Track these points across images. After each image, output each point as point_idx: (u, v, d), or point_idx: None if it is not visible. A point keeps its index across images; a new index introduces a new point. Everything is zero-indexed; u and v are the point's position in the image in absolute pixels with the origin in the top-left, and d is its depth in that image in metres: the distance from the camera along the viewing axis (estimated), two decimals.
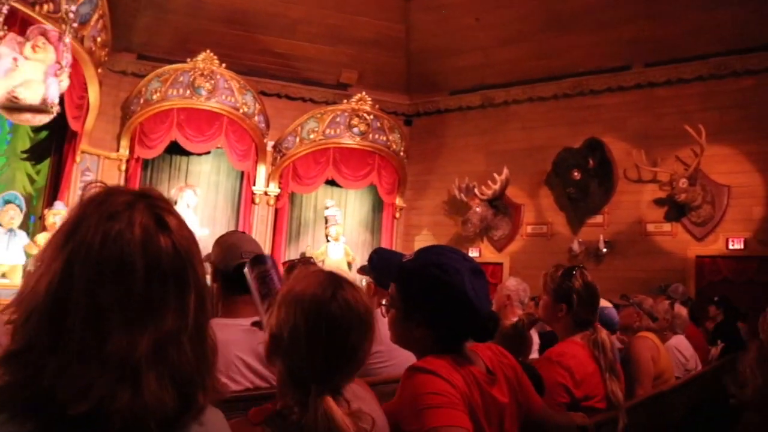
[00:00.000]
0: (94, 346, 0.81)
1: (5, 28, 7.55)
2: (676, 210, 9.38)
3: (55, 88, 7.72)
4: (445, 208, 11.36)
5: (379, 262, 2.08)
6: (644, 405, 3.22)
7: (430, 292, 1.74)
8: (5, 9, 7.55)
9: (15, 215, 8.59)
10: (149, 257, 0.86)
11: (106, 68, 10.01)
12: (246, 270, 2.27)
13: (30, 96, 7.48)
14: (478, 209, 10.41)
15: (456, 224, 10.96)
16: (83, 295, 0.82)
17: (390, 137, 11.11)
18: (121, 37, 10.20)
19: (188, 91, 10.12)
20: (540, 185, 10.56)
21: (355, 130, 10.86)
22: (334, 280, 1.44)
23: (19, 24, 7.95)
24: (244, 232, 3.19)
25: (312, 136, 10.79)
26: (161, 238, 0.88)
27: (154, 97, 10.14)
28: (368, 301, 1.46)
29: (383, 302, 1.88)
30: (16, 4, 7.85)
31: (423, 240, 11.45)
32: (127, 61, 10.71)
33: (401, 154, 11.32)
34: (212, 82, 10.18)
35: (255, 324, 1.82)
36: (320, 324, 1.36)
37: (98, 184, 0.94)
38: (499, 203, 10.49)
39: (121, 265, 0.84)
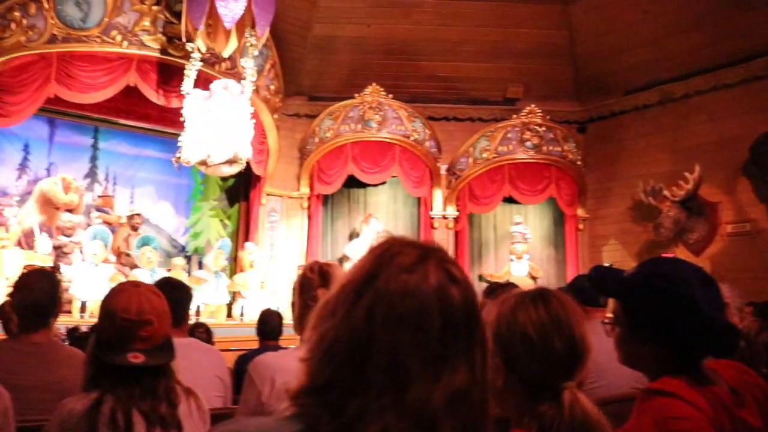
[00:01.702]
0: (393, 394, 0.84)
1: (196, 90, 8.23)
2: None
3: (244, 141, 8.27)
4: (632, 215, 10.72)
5: (599, 279, 1.94)
6: None
7: (657, 306, 1.59)
8: (195, 71, 8.21)
9: (222, 259, 9.26)
10: (444, 309, 0.88)
11: (281, 113, 10.55)
12: None
13: (223, 154, 8.06)
14: (670, 212, 9.74)
15: (645, 230, 10.32)
16: (385, 344, 0.85)
17: (565, 147, 10.73)
18: (292, 82, 10.73)
19: (359, 125, 10.41)
20: (737, 179, 9.66)
21: (528, 143, 10.60)
22: (536, 290, 1.56)
23: (202, 82, 8.59)
24: None
25: (485, 155, 10.66)
26: (454, 291, 0.90)
27: (328, 134, 10.52)
28: None
29: (605, 320, 1.76)
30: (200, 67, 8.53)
31: (610, 250, 10.89)
32: (299, 103, 11.21)
33: (578, 163, 10.88)
34: (381, 113, 10.41)
35: None
36: (549, 322, 1.47)
37: (383, 235, 1.01)
38: (692, 204, 9.74)
39: (420, 316, 0.86)
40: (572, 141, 10.89)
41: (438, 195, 10.91)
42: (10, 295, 2.70)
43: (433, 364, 0.86)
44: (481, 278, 10.56)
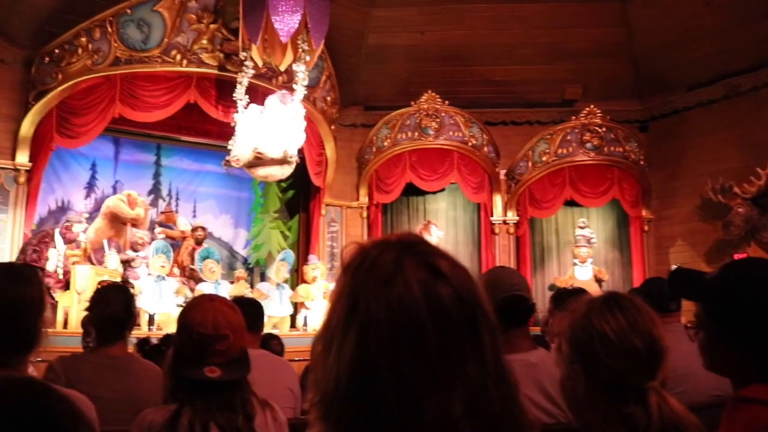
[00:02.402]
0: (412, 419, 0.79)
1: (247, 98, 8.38)
2: None
3: (293, 141, 8.34)
4: (700, 214, 10.36)
5: (679, 282, 1.86)
6: None
7: (746, 309, 1.50)
8: (246, 79, 8.35)
9: (284, 271, 9.33)
10: (437, 313, 0.82)
11: (337, 124, 10.62)
12: None
13: (272, 150, 8.15)
14: (740, 209, 9.41)
15: (715, 230, 9.97)
16: (386, 371, 0.80)
17: (626, 147, 10.49)
18: (347, 93, 10.79)
19: (416, 133, 10.41)
20: None
21: (588, 145, 10.40)
22: (608, 295, 1.54)
23: (260, 96, 8.71)
24: (504, 267, 3.16)
25: (544, 159, 10.51)
26: (441, 289, 0.83)
27: (385, 143, 10.55)
28: None
29: (688, 325, 1.69)
30: (256, 81, 8.67)
31: (678, 252, 10.56)
32: (355, 114, 11.27)
33: (641, 163, 10.62)
34: (438, 120, 10.38)
35: None
36: (626, 324, 1.44)
37: (352, 244, 0.91)
38: (765, 200, 9.38)
39: (414, 330, 0.81)
40: (634, 140, 10.65)
41: (498, 200, 10.81)
42: (88, 309, 2.79)
43: (441, 373, 0.81)
44: (552, 287, 10.34)
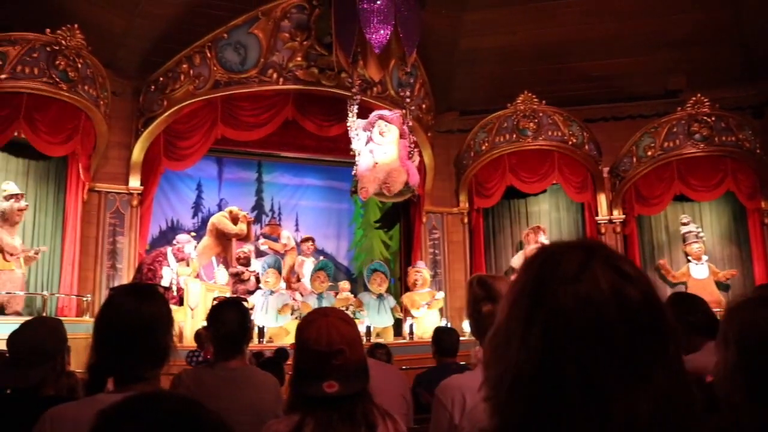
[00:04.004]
0: (596, 413, 0.77)
1: (360, 123, 8.43)
2: None
3: (414, 172, 8.40)
4: None
5: None
6: None
7: None
8: (356, 106, 8.38)
9: (382, 282, 9.33)
10: (625, 313, 0.80)
11: (433, 130, 10.60)
12: None
13: (397, 186, 8.22)
14: None
15: None
16: (572, 363, 0.78)
17: (740, 135, 9.92)
18: (442, 99, 10.75)
19: (514, 135, 10.26)
20: None
21: (697, 136, 9.92)
22: None
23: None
24: None
25: (649, 153, 10.11)
26: (629, 291, 0.82)
27: (483, 147, 10.44)
28: None
29: None
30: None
31: None
32: (450, 119, 11.22)
33: (757, 151, 10.01)
34: (535, 121, 10.20)
35: None
36: None
37: (537, 245, 0.89)
38: None
39: (601, 326, 0.79)
40: (748, 128, 10.06)
41: (602, 199, 10.52)
42: (206, 328, 2.87)
43: (627, 371, 0.78)
44: (657, 270, 9.94)
